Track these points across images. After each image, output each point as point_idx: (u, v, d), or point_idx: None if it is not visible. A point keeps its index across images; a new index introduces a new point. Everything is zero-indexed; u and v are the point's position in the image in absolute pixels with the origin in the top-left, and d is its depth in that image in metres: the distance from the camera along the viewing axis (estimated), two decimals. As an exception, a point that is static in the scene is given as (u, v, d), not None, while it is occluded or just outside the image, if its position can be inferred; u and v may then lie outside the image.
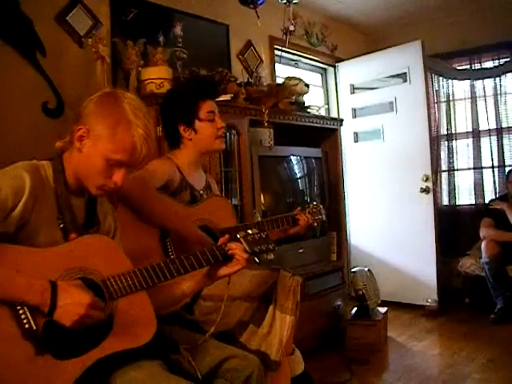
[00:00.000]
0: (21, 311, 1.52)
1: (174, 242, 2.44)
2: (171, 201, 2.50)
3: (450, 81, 6.05)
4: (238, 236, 1.96)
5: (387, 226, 5.53)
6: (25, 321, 1.52)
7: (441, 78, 6.07)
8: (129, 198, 2.31)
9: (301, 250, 4.24)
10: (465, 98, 6.03)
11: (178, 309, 2.39)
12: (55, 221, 1.74)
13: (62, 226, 1.74)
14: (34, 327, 1.53)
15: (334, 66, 6.00)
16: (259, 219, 3.52)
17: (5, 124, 3.13)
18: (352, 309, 4.36)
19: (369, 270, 4.52)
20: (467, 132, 6.02)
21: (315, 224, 2.80)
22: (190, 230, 2.42)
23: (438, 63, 5.86)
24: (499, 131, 5.82)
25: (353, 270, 4.49)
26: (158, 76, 3.43)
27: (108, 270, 1.70)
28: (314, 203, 2.82)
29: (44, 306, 1.52)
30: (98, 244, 1.78)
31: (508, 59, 5.68)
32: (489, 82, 5.86)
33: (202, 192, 2.72)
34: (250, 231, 1.99)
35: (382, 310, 4.41)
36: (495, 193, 5.83)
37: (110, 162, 1.70)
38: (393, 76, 5.54)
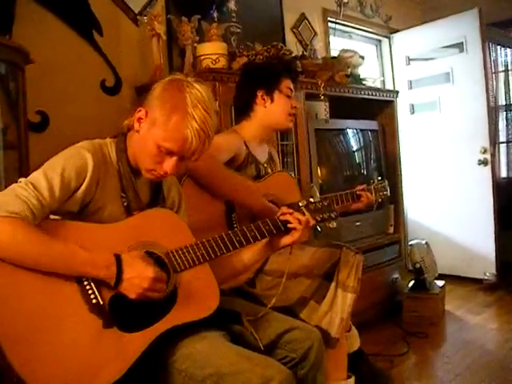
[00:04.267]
0: (88, 287, 1.57)
1: (239, 217, 2.46)
2: (238, 175, 2.51)
3: (508, 49, 5.87)
4: (300, 204, 1.96)
5: (444, 198, 5.45)
6: (92, 296, 1.57)
7: (499, 47, 5.89)
8: (196, 172, 2.33)
9: (358, 223, 4.22)
10: (524, 67, 5.85)
11: (240, 284, 2.43)
12: (119, 199, 1.77)
13: (125, 204, 1.78)
14: (101, 302, 1.57)
15: (389, 37, 5.90)
16: (317, 193, 3.52)
17: (66, 102, 3.21)
18: (409, 282, 4.34)
19: (426, 242, 4.48)
20: (527, 102, 5.86)
21: (380, 200, 2.76)
22: (258, 201, 2.44)
23: (496, 32, 5.68)
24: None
25: (410, 243, 4.47)
26: (213, 51, 3.44)
27: (171, 243, 1.73)
28: (379, 179, 2.78)
29: (110, 279, 1.56)
30: (161, 218, 1.80)
31: None
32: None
33: (265, 165, 2.74)
34: (311, 199, 1.99)
35: (440, 283, 4.37)
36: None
37: (162, 148, 1.68)
38: (449, 46, 5.40)
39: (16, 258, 1.49)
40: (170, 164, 1.71)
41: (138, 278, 1.57)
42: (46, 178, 1.58)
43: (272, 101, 2.66)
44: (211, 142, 1.72)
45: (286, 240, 1.91)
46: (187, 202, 2.04)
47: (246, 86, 2.73)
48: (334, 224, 2.01)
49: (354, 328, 2.92)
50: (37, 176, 1.60)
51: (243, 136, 2.65)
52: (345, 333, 2.73)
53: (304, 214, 1.92)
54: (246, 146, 2.64)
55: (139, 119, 1.74)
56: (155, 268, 1.62)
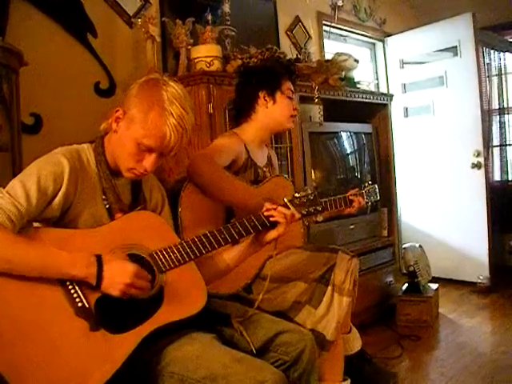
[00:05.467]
0: (72, 290, 1.57)
1: None
2: (236, 179, 2.49)
3: (501, 53, 5.89)
4: (285, 200, 1.96)
5: (438, 201, 5.45)
6: (77, 299, 1.57)
7: (492, 51, 5.90)
8: (196, 175, 2.33)
9: (352, 226, 4.23)
10: (517, 71, 5.87)
11: (238, 288, 2.43)
12: (100, 202, 1.78)
13: (107, 206, 1.78)
14: (87, 305, 1.57)
15: (383, 41, 5.91)
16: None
17: (59, 104, 3.20)
18: (403, 285, 4.35)
19: (420, 246, 4.49)
20: (520, 106, 5.86)
21: (369, 204, 2.75)
22: (258, 204, 2.42)
23: (490, 36, 5.69)
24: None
25: (404, 246, 4.48)
26: (207, 54, 3.45)
27: (155, 244, 1.74)
28: (370, 183, 2.75)
29: (91, 278, 1.56)
30: (144, 220, 1.81)
31: None
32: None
33: (264, 169, 2.73)
34: (296, 194, 1.99)
35: (433, 286, 4.39)
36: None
37: (141, 146, 1.71)
38: (443, 50, 5.41)
39: None
40: (149, 161, 1.74)
41: (119, 273, 1.57)
42: (23, 186, 1.60)
43: (274, 102, 2.66)
44: (189, 137, 1.76)
45: (271, 234, 1.90)
46: (189, 207, 2.05)
47: (247, 88, 2.72)
48: (320, 217, 2.01)
49: (354, 330, 2.91)
50: (13, 185, 1.61)
51: (243, 139, 2.64)
52: (344, 335, 2.73)
53: (289, 209, 1.93)
54: (247, 149, 2.63)
55: (117, 119, 1.76)
56: (136, 265, 1.62)
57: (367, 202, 2.69)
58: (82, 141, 1.85)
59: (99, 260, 1.58)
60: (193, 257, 1.76)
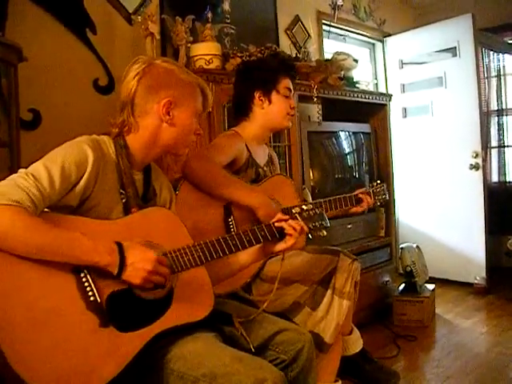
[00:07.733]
0: (86, 283, 1.56)
1: (236, 220, 2.44)
2: (233, 177, 2.48)
3: (501, 55, 5.89)
4: (294, 211, 1.96)
5: (436, 202, 5.46)
6: (90, 293, 1.55)
7: (491, 52, 5.90)
8: (191, 174, 2.32)
9: (349, 226, 4.23)
10: (516, 73, 5.87)
11: (237, 288, 2.43)
12: (117, 196, 1.77)
13: (124, 200, 1.77)
14: (99, 299, 1.56)
15: (383, 41, 5.91)
16: (309, 195, 3.52)
17: (58, 100, 3.19)
18: (400, 285, 4.36)
19: (417, 246, 4.49)
20: (518, 107, 5.86)
21: (378, 203, 2.71)
22: (256, 198, 2.40)
23: (489, 37, 5.69)
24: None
25: (401, 246, 4.47)
26: (207, 52, 3.45)
27: (169, 243, 1.73)
28: (378, 182, 2.72)
29: (113, 266, 1.55)
30: (160, 218, 1.81)
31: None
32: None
33: (265, 168, 2.72)
34: (304, 207, 1.98)
35: (430, 286, 4.39)
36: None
37: (197, 116, 1.88)
38: (442, 50, 5.41)
39: (18, 247, 1.47)
40: (198, 125, 1.92)
41: (141, 261, 1.56)
42: (47, 170, 1.58)
43: (270, 102, 2.64)
44: None
45: (280, 246, 1.92)
46: (186, 209, 2.05)
47: (243, 87, 2.71)
48: (324, 232, 2.00)
49: (356, 330, 2.92)
50: (37, 167, 1.59)
51: (244, 137, 2.62)
52: (345, 336, 2.74)
53: (298, 222, 1.93)
54: (248, 148, 2.61)
55: (167, 110, 1.80)
56: (157, 252, 1.62)
57: (375, 202, 2.66)
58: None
59: (120, 247, 1.57)
60: (204, 261, 1.75)
